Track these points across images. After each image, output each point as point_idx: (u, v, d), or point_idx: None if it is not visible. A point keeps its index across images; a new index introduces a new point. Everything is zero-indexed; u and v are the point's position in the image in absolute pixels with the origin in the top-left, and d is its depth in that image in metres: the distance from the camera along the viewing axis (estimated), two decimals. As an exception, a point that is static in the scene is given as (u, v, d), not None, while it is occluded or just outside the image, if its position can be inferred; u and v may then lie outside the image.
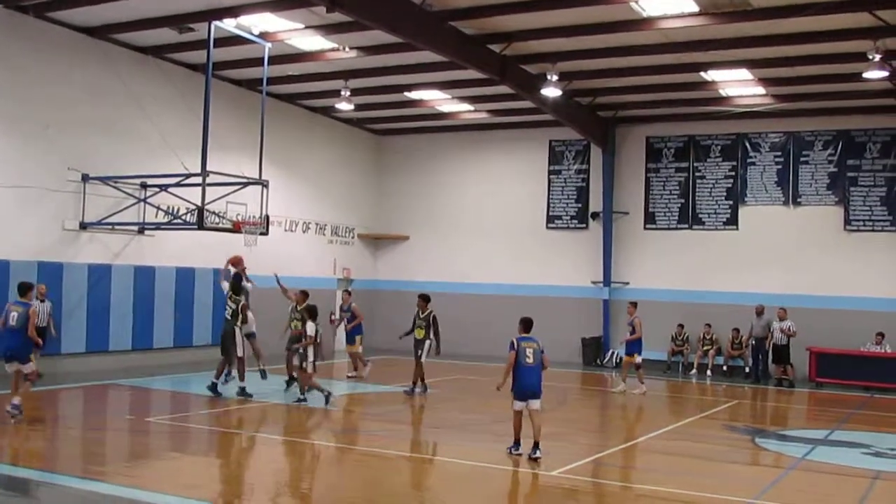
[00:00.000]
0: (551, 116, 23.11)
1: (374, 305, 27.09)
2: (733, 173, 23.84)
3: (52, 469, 10.28)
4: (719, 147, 24.08)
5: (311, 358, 15.09)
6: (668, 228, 24.58)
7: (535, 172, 26.23)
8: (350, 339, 19.39)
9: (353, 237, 27.47)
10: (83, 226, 18.61)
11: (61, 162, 18.21)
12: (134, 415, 14.50)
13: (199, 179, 17.45)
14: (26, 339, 12.56)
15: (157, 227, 19.58)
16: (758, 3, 15.51)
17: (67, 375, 17.44)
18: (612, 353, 24.47)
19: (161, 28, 18.15)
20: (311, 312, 15.52)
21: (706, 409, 17.38)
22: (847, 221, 22.52)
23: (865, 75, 17.30)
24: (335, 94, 22.26)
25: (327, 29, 17.77)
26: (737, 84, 20.95)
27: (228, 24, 17.44)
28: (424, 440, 13.52)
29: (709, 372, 22.71)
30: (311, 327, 15.20)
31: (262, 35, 18.19)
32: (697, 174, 24.30)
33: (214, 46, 17.47)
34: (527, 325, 11.78)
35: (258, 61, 18.98)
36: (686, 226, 24.36)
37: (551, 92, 19.58)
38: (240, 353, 15.76)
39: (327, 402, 15.07)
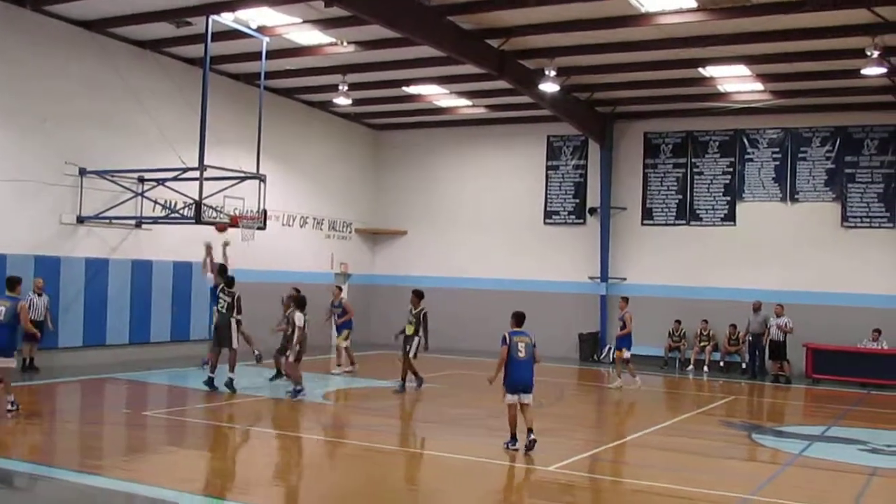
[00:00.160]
0: (549, 112, 23.09)
1: (372, 300, 27.10)
2: (731, 169, 23.84)
3: (49, 463, 10.27)
4: (717, 143, 24.08)
5: (296, 348, 15.11)
6: (666, 224, 24.58)
7: (532, 168, 26.22)
8: (338, 332, 19.46)
9: (350, 232, 27.46)
10: (80, 220, 18.59)
11: (58, 156, 18.18)
12: (131, 409, 14.49)
13: (196, 174, 17.44)
14: (12, 336, 12.48)
15: (155, 221, 19.56)
16: (756, -1, 15.52)
17: (64, 369, 17.43)
18: (609, 348, 24.48)
19: (159, 22, 18.12)
20: (300, 303, 15.52)
21: (703, 405, 17.40)
22: (844, 218, 22.53)
23: (863, 72, 17.29)
24: (333, 88, 22.23)
25: (325, 23, 17.74)
26: (735, 80, 20.95)
27: (226, 18, 17.41)
28: (421, 435, 13.54)
29: (705, 368, 22.72)
30: (299, 318, 15.22)
31: (260, 29, 18.18)
32: (695, 170, 24.30)
33: (212, 40, 17.44)
34: (519, 319, 11.80)
35: (256, 55, 18.99)
36: (683, 222, 24.37)
37: (549, 87, 19.57)
38: (235, 345, 15.81)
39: (295, 395, 15.11)
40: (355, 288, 27.05)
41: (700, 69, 19.94)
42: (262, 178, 18.65)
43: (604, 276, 24.82)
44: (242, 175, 18.87)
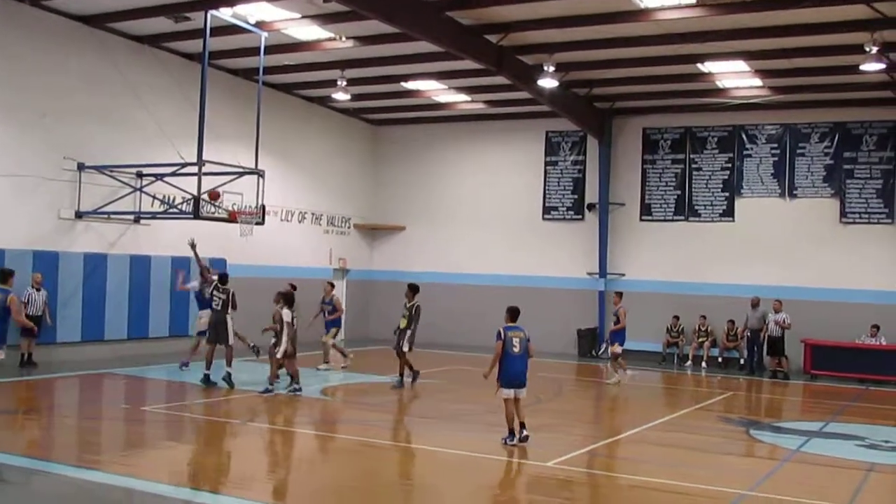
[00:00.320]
0: (548, 107, 23.07)
1: (370, 296, 27.11)
2: (730, 165, 23.84)
3: (47, 458, 10.28)
4: (716, 139, 24.07)
5: (283, 344, 15.10)
6: (665, 220, 24.58)
7: (531, 163, 26.20)
8: (326, 330, 19.33)
9: (349, 227, 27.44)
10: (79, 215, 18.57)
11: (57, 151, 18.16)
12: (129, 404, 14.52)
13: (195, 169, 17.42)
14: (1, 328, 12.48)
15: (153, 216, 19.53)
16: (755, -5, 15.52)
17: (63, 364, 17.43)
18: (607, 344, 24.46)
19: (157, 17, 18.07)
20: (289, 300, 15.52)
21: (701, 401, 17.43)
22: (843, 214, 22.53)
23: (862, 67, 17.30)
24: (332, 83, 22.20)
25: (324, 18, 17.71)
26: (733, 76, 20.91)
27: (225, 14, 17.39)
28: (418, 430, 13.53)
29: (704, 363, 22.74)
30: (287, 314, 15.23)
31: (259, 24, 18.15)
32: (694, 166, 24.29)
33: (211, 36, 17.42)
34: (513, 314, 11.82)
35: (254, 51, 18.97)
36: (682, 217, 24.36)
37: (548, 83, 19.55)
38: (231, 342, 15.85)
39: (265, 391, 15.06)
40: (354, 283, 27.07)
41: (699, 65, 19.94)
42: (260, 174, 18.64)
43: (602, 272, 24.82)
44: (241, 170, 18.84)
